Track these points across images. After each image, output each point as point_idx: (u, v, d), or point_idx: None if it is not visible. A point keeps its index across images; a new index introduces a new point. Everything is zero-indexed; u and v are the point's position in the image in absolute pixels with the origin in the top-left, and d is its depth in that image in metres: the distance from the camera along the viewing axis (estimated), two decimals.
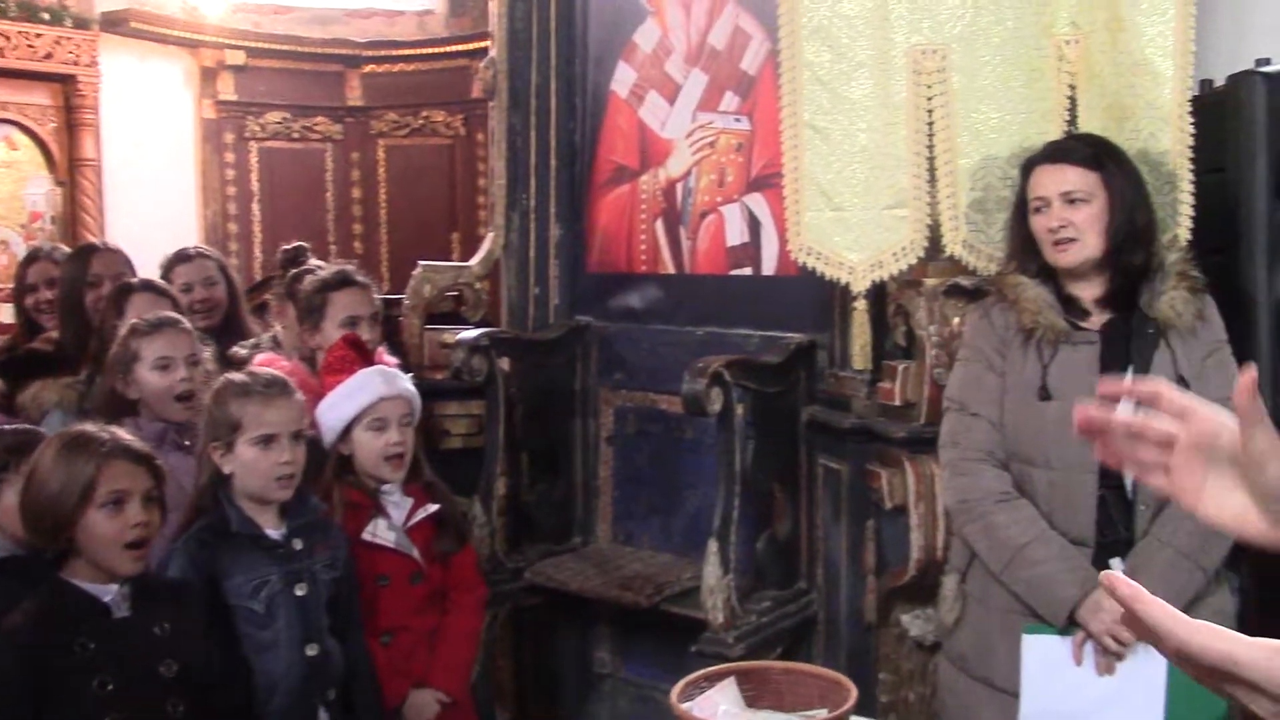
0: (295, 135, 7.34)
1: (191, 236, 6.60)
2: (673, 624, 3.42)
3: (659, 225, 3.86)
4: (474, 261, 4.17)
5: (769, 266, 3.58)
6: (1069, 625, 2.42)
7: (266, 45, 7.08)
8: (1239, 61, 2.89)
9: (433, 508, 2.97)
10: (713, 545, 3.08)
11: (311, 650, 2.56)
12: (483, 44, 5.45)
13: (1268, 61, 2.80)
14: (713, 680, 1.95)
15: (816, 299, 3.30)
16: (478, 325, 3.97)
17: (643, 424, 3.91)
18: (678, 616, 3.40)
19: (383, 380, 2.93)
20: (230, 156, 7.13)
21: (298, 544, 2.60)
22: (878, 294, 3.05)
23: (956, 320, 2.89)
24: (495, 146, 4.11)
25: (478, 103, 6.10)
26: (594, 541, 3.99)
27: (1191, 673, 0.96)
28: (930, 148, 2.87)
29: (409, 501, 2.95)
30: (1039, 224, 2.54)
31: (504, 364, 3.76)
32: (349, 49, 7.26)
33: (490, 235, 4.15)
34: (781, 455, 3.36)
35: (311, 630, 2.57)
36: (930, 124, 2.86)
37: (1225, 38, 3.58)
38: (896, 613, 3.09)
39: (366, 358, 2.99)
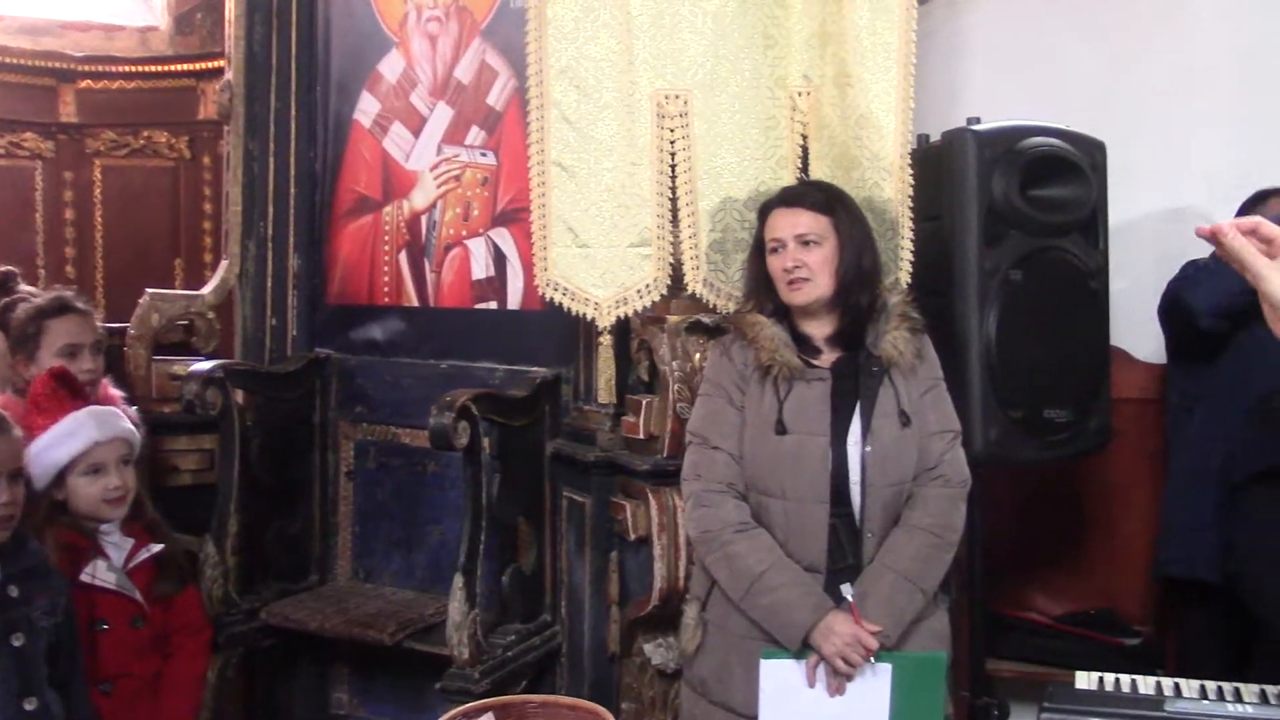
0: (0, 151, 6.85)
1: None
2: (415, 662, 3.37)
3: (403, 257, 3.83)
4: (206, 290, 4.02)
5: (514, 301, 3.60)
6: (803, 649, 2.52)
7: None
8: (952, 119, 3.13)
9: (156, 548, 2.85)
10: (458, 580, 3.06)
11: (29, 704, 2.38)
12: (210, 64, 5.27)
13: (978, 120, 3.04)
14: (470, 716, 1.94)
15: (561, 334, 3.34)
16: (210, 357, 3.83)
17: (384, 458, 3.85)
18: (421, 654, 3.35)
19: (96, 424, 2.78)
20: None
21: (14, 591, 2.42)
22: (622, 329, 3.12)
23: (698, 356, 2.99)
24: (231, 172, 3.97)
25: (204, 124, 5.88)
26: (333, 579, 3.89)
27: None
28: (673, 189, 2.97)
29: (130, 542, 2.83)
30: (775, 264, 2.66)
31: (239, 397, 3.63)
32: (63, 63, 6.84)
33: (225, 263, 4.00)
34: (527, 489, 3.37)
35: (30, 683, 2.39)
36: (673, 166, 2.96)
37: (939, 97, 3.88)
38: (639, 642, 3.14)
39: (78, 393, 2.83)
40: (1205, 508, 3.37)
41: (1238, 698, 2.19)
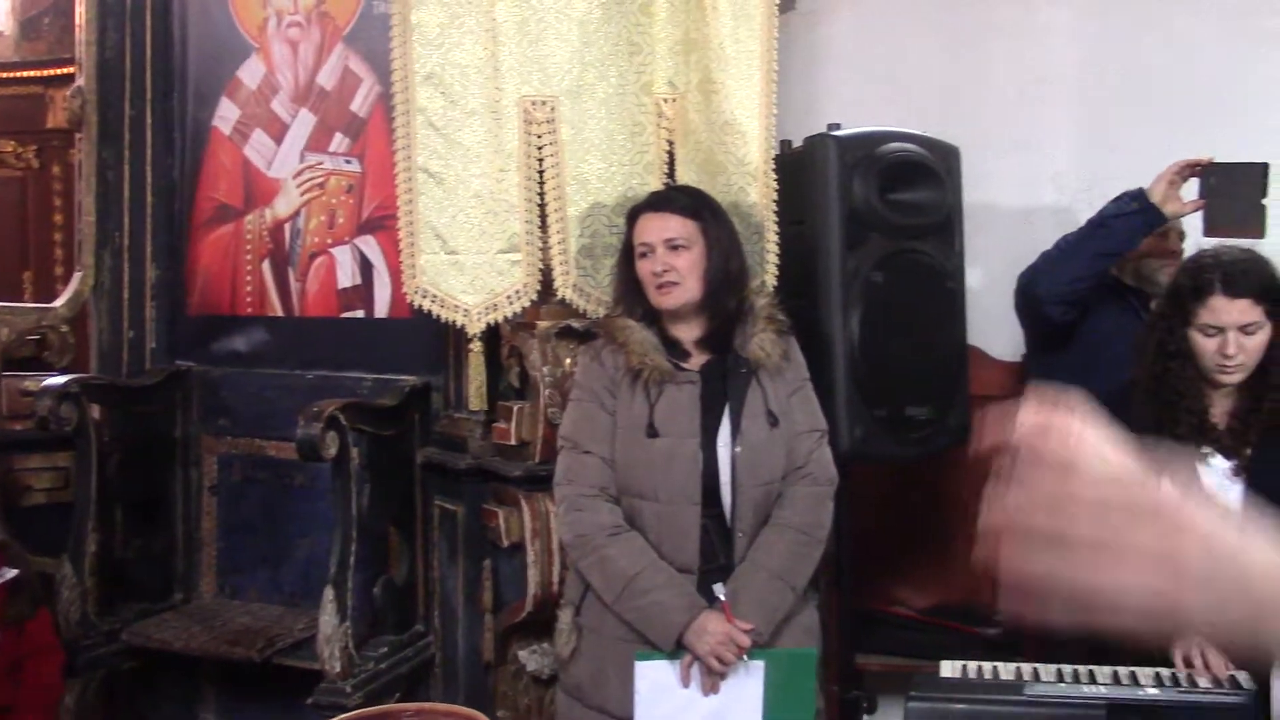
0: None
1: None
2: (286, 678, 3.31)
3: (266, 267, 3.75)
4: (59, 303, 3.88)
5: (382, 309, 3.56)
6: (677, 649, 2.54)
7: None
8: (813, 126, 3.19)
9: (10, 573, 2.74)
10: (329, 593, 3.01)
11: None
12: (60, 71, 5.09)
13: (839, 126, 3.10)
14: None
15: (431, 341, 3.32)
16: (64, 371, 3.71)
17: (249, 471, 3.77)
18: (291, 669, 3.29)
19: None
20: None
21: None
22: (492, 336, 3.11)
23: (569, 361, 3.00)
24: (84, 181, 3.84)
25: (54, 133, 5.67)
26: (198, 597, 3.80)
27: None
28: (541, 195, 2.98)
29: None
30: (644, 268, 2.68)
31: (96, 412, 3.52)
32: None
33: (78, 275, 3.87)
34: (398, 498, 3.34)
35: None
36: (541, 172, 2.97)
37: (802, 104, 3.96)
38: (514, 649, 3.14)
39: None
40: None
41: (1092, 679, 2.28)
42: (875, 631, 3.81)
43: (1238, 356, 2.53)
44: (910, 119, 3.34)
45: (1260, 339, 2.55)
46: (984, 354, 4.03)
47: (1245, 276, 2.53)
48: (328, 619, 3.00)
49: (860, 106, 3.85)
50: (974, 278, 4.06)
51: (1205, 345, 2.55)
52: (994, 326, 3.87)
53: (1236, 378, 2.57)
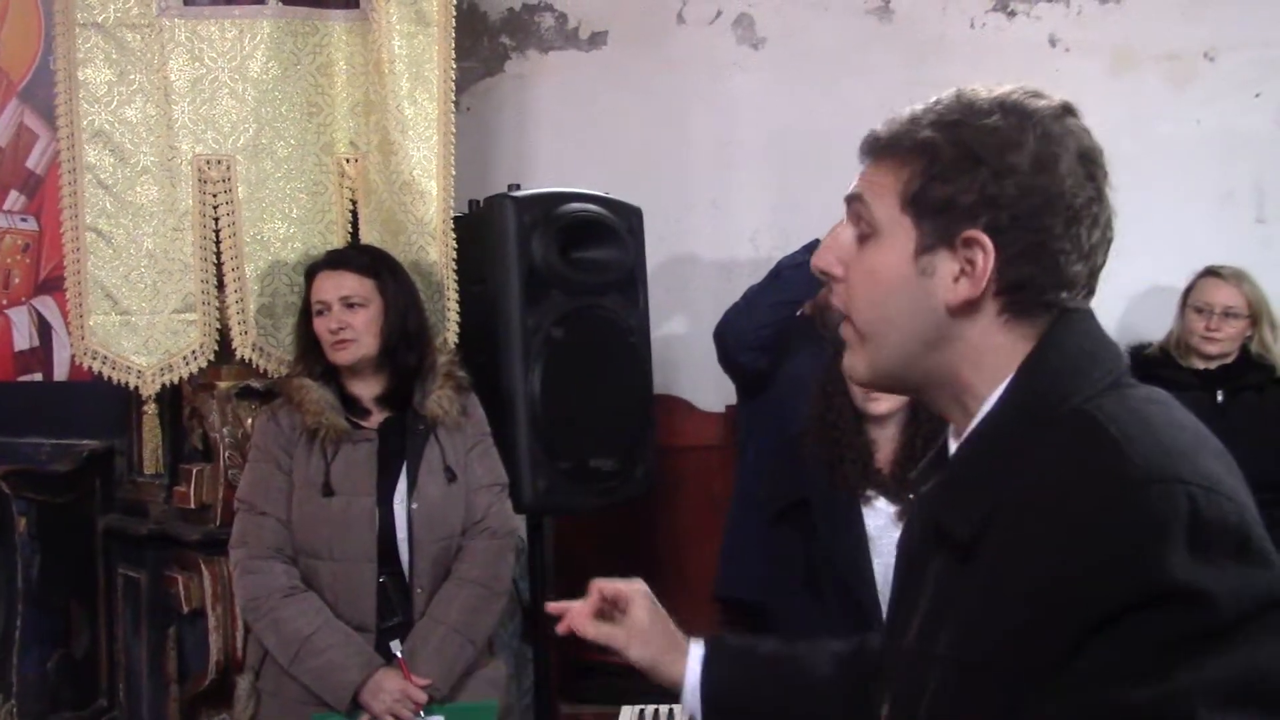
0: None
1: None
2: None
3: None
4: None
5: (61, 372, 3.45)
6: (354, 708, 2.53)
7: None
8: (498, 185, 3.28)
9: None
10: None
11: None
12: None
13: (518, 186, 3.19)
14: None
15: (113, 404, 3.21)
16: None
17: None
18: None
19: None
20: None
21: None
22: (174, 397, 3.05)
23: (250, 421, 2.96)
24: None
25: None
26: None
27: None
28: (218, 254, 2.94)
29: None
30: (320, 326, 2.69)
31: None
32: None
33: None
34: (76, 568, 3.20)
35: None
36: (218, 231, 2.94)
37: (509, 162, 4.06)
38: (202, 719, 3.05)
39: None
40: (750, 535, 3.62)
41: None
42: (585, 680, 3.86)
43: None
44: (615, 181, 3.46)
45: None
46: (689, 405, 4.18)
47: None
48: None
49: (563, 168, 3.97)
50: (679, 330, 4.23)
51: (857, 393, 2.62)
52: (704, 377, 4.02)
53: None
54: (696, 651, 1.49)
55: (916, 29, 4.12)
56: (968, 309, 1.06)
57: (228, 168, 2.93)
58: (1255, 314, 3.40)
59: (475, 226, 3.14)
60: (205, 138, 2.91)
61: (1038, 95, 1.08)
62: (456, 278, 3.05)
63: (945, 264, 1.06)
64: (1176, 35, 4.03)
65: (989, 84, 1.11)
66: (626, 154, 4.16)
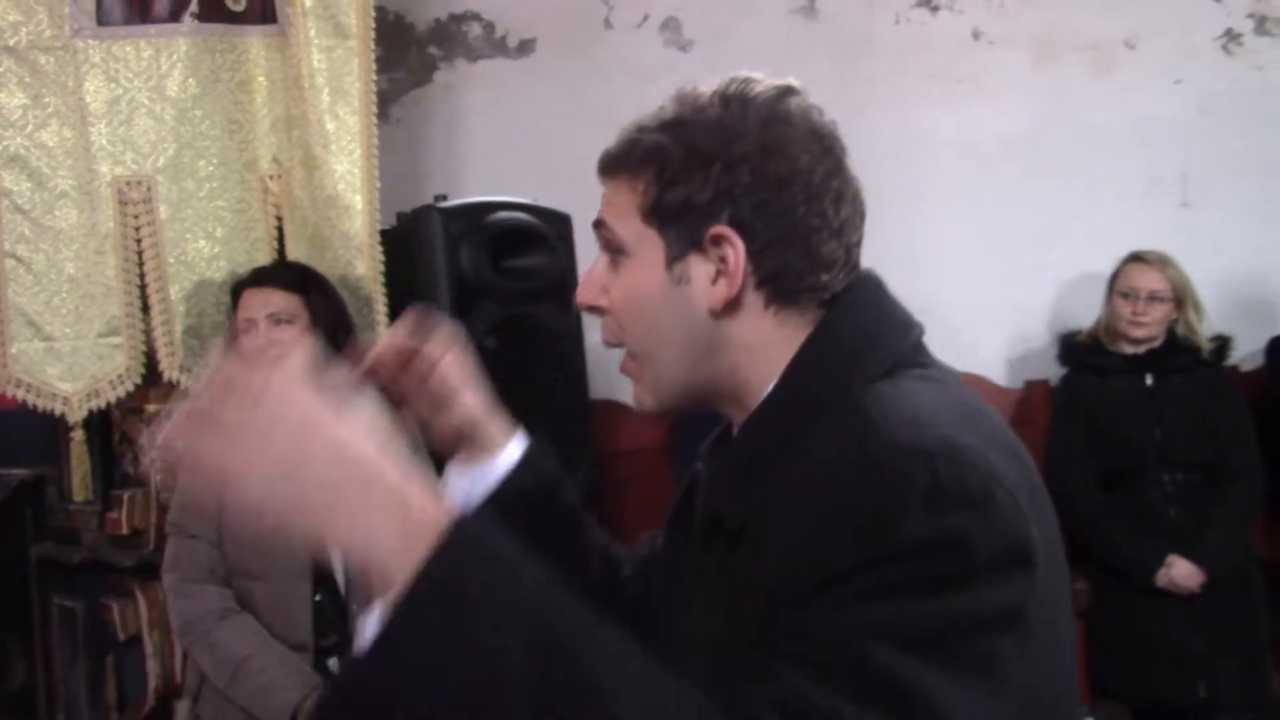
0: None
1: None
2: None
3: None
4: None
5: None
6: None
7: None
8: (451, 195, 3.26)
9: None
10: None
11: None
12: None
13: (445, 197, 3.18)
14: None
15: (43, 432, 3.17)
16: None
17: None
18: None
19: None
20: None
21: None
22: (103, 423, 3.01)
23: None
24: None
25: None
26: None
27: None
28: (142, 276, 2.91)
29: None
30: (247, 344, 2.66)
31: None
32: None
33: None
34: (9, 601, 3.17)
35: None
36: (140, 253, 2.91)
37: (439, 172, 4.04)
38: None
39: None
40: None
41: None
42: None
43: None
44: (547, 188, 3.43)
45: None
46: (630, 409, 4.17)
47: None
48: None
49: (495, 177, 3.95)
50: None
51: None
52: None
53: None
54: (519, 443, 1.31)
55: (842, 27, 4.15)
56: (731, 309, 1.05)
57: (148, 189, 2.90)
58: (1180, 297, 3.44)
59: (403, 239, 3.13)
60: (124, 159, 2.89)
61: (756, 82, 1.06)
62: (386, 291, 3.03)
63: (699, 268, 1.05)
64: (1097, 25, 4.08)
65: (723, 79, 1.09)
66: (557, 161, 4.11)
